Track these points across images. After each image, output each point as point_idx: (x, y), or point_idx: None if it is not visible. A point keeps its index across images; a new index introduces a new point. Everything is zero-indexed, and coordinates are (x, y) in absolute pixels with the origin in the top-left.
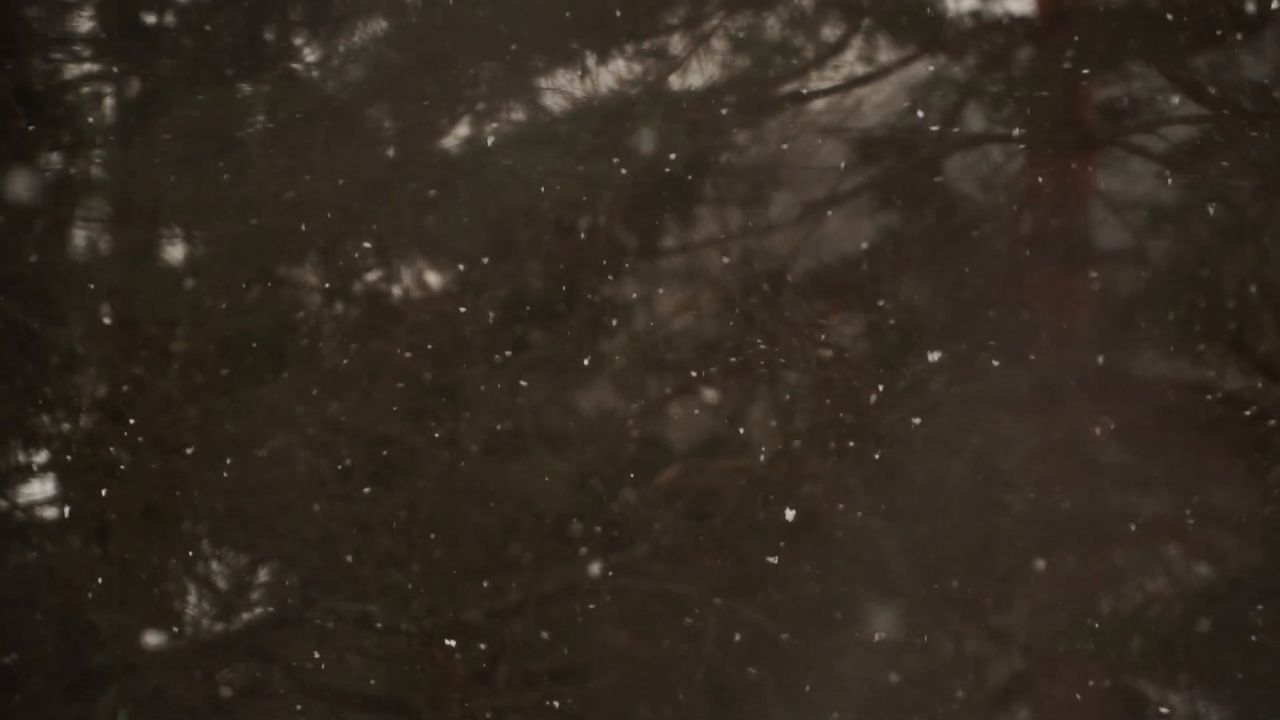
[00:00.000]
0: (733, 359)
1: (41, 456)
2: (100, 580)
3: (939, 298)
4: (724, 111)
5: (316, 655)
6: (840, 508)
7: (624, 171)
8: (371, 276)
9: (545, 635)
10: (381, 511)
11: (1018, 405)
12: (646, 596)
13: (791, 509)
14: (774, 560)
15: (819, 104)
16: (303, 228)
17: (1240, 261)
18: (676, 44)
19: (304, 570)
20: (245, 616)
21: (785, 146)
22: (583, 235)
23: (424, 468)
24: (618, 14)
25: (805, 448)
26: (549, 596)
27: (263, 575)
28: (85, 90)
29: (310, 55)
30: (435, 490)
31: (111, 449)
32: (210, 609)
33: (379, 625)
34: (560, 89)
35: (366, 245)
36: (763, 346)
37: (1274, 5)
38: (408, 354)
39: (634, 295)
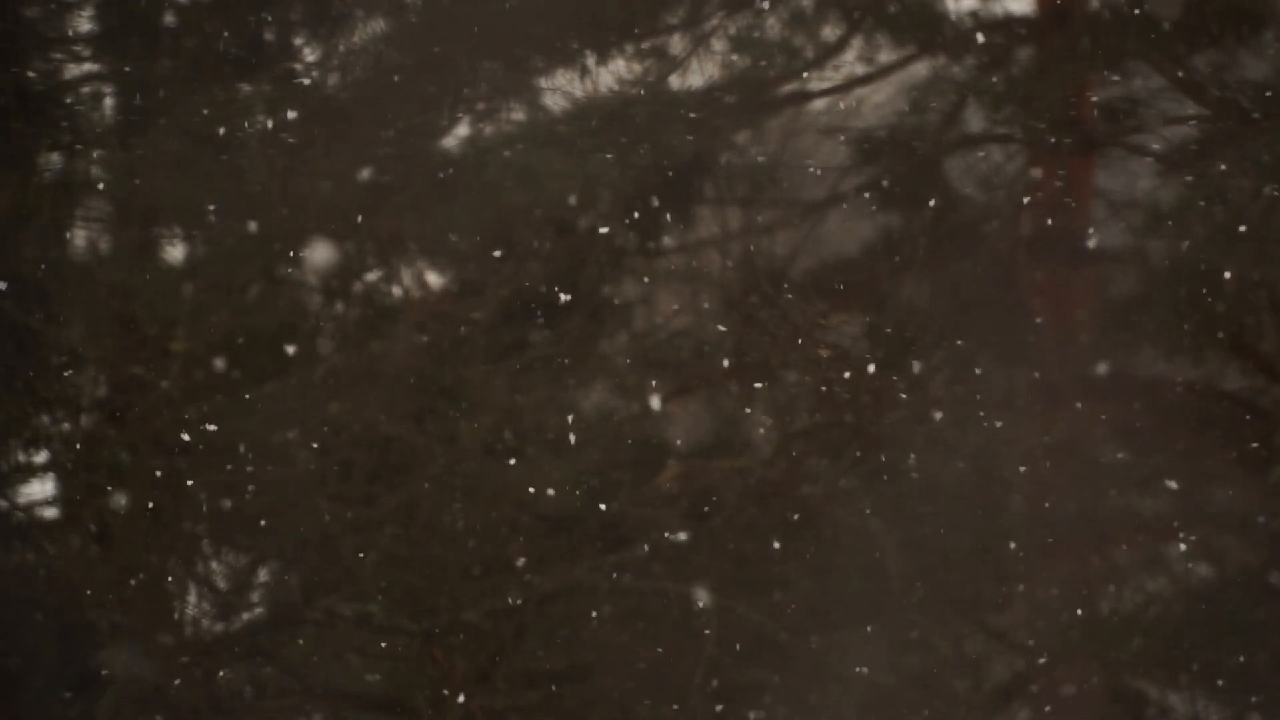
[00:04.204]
0: (733, 359)
1: (41, 456)
2: (100, 580)
3: (939, 298)
4: (724, 112)
5: (316, 655)
6: (840, 508)
7: (623, 172)
8: (371, 276)
9: (545, 635)
10: (381, 511)
11: (1018, 405)
12: (646, 596)
13: (791, 509)
14: (774, 560)
15: (819, 104)
16: (302, 228)
17: (1240, 261)
18: (676, 44)
19: (304, 570)
20: (245, 616)
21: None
22: (582, 235)
23: (424, 468)
24: (618, 14)
25: (805, 448)
26: (549, 596)
27: (263, 575)
28: (85, 90)
29: (310, 55)
30: (435, 490)
31: (111, 449)
32: (210, 609)
33: (379, 625)
34: (560, 89)
35: (366, 245)
36: (763, 346)
37: None
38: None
39: (634, 295)
